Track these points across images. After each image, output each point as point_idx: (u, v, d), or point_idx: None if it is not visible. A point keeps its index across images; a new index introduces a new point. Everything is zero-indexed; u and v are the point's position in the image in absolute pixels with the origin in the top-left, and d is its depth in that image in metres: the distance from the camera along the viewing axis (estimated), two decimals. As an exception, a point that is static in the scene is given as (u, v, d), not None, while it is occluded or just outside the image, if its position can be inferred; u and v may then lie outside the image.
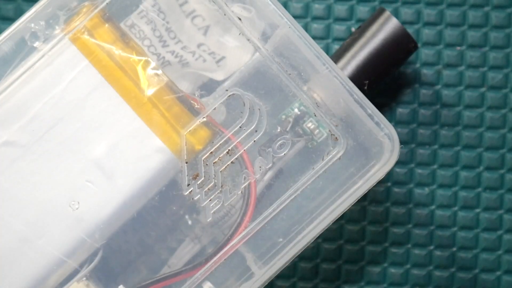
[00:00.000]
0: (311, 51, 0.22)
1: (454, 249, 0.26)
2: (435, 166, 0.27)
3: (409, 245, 0.26)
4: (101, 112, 0.22)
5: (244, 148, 0.23)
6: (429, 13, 0.27)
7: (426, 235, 0.26)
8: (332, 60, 0.23)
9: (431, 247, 0.26)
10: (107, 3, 0.23)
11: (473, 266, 0.26)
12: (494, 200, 0.26)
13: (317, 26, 0.27)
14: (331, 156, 0.22)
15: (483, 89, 0.27)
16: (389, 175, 0.27)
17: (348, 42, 0.26)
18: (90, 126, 0.22)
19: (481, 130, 0.27)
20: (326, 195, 0.23)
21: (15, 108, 0.22)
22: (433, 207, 0.26)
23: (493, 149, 0.27)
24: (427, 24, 0.27)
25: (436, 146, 0.27)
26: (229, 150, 0.22)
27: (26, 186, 0.22)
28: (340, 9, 0.27)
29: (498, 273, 0.26)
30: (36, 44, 0.23)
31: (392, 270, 0.26)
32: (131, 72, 0.23)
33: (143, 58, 0.23)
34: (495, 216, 0.26)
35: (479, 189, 0.27)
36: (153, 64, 0.23)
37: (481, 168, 0.27)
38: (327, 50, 0.27)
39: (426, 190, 0.27)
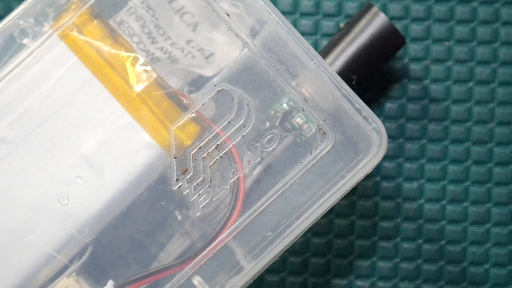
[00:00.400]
0: (299, 46, 0.22)
1: (443, 242, 0.26)
2: (423, 161, 0.27)
3: (398, 239, 0.26)
4: (90, 108, 0.22)
5: (233, 143, 0.22)
6: (417, 9, 0.27)
7: (415, 229, 0.26)
8: (321, 55, 0.23)
9: (420, 241, 0.26)
10: (95, 0, 0.23)
11: (462, 260, 0.26)
12: (482, 193, 0.26)
13: (305, 22, 0.27)
14: (319, 150, 0.22)
15: (471, 84, 0.27)
16: (377, 169, 0.27)
17: (337, 37, 0.26)
18: (79, 122, 0.22)
19: (469, 124, 0.27)
20: (314, 189, 0.23)
21: (4, 105, 0.22)
22: (421, 201, 0.26)
23: (481, 143, 0.27)
24: (415, 19, 0.27)
25: (424, 141, 0.27)
26: (217, 145, 0.22)
27: (16, 182, 0.22)
28: (329, 5, 0.27)
29: (487, 266, 0.26)
30: (25, 41, 0.23)
31: (381, 264, 0.26)
32: (120, 68, 0.22)
33: (132, 55, 0.23)
34: (483, 209, 0.26)
35: (467, 183, 0.27)
36: (142, 60, 0.23)
37: (469, 162, 0.26)
38: (315, 45, 0.27)
39: (415, 184, 0.27)
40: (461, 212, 0.26)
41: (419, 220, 0.26)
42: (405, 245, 0.26)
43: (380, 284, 0.26)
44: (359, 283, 0.26)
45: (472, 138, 0.27)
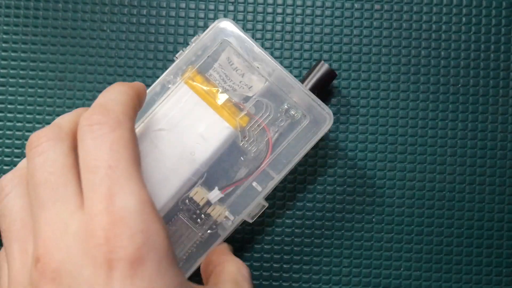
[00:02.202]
0: (291, 79, 0.24)
1: (356, 169, 0.28)
2: (347, 132, 0.28)
3: (336, 167, 0.28)
4: (199, 113, 0.24)
5: (265, 123, 0.24)
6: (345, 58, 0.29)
7: (344, 162, 0.28)
8: (301, 82, 0.25)
9: (345, 169, 0.28)
10: (198, 67, 0.25)
11: (364, 176, 0.28)
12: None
13: (294, 70, 0.28)
14: (302, 125, 0.24)
15: (371, 97, 0.28)
16: (327, 134, 0.28)
17: (307, 73, 0.27)
18: (196, 119, 0.24)
19: (367, 117, 0.28)
20: (300, 144, 0.24)
21: (162, 115, 0.24)
22: (347, 150, 0.28)
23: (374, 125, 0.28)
24: (344, 61, 0.28)
25: (348, 123, 0.28)
26: (258, 125, 0.24)
27: (170, 146, 0.24)
28: (303, 62, 0.28)
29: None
30: (170, 85, 0.25)
31: (329, 178, 0.28)
32: (212, 95, 0.24)
33: (216, 88, 0.25)
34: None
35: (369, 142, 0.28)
36: (221, 90, 0.24)
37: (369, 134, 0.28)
38: (298, 77, 0.28)
39: (345, 142, 0.28)
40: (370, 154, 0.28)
41: (345, 159, 0.28)
42: (339, 170, 0.28)
43: (329, 181, 0.28)
44: (320, 178, 0.28)
45: (375, 123, 0.28)
